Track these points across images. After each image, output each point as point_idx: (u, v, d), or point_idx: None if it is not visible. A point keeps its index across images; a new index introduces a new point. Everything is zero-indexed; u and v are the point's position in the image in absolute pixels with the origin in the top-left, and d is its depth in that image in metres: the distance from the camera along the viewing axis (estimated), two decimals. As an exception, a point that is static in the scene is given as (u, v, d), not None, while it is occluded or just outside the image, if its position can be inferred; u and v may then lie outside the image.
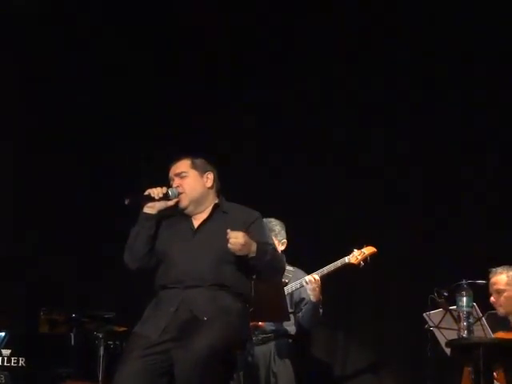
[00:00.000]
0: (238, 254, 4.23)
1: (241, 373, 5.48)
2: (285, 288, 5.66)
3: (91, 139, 7.15)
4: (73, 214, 6.96)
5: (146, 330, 4.23)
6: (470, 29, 6.35)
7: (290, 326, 5.76)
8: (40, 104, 7.15)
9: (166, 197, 4.37)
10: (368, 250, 5.76)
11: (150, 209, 4.39)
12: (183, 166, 4.49)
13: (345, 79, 6.77)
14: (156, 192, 4.36)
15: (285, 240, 5.84)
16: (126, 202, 4.29)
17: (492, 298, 5.54)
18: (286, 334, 5.73)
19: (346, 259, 5.72)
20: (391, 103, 6.63)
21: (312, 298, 5.64)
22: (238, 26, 7.04)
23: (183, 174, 4.46)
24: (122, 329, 5.55)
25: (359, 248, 5.75)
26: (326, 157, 6.81)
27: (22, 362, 5.39)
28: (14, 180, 7.05)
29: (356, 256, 5.72)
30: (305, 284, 5.63)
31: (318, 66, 6.84)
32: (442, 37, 6.49)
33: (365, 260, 5.72)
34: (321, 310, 5.70)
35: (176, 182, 4.45)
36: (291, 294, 5.71)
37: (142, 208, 4.40)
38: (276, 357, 5.66)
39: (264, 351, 5.66)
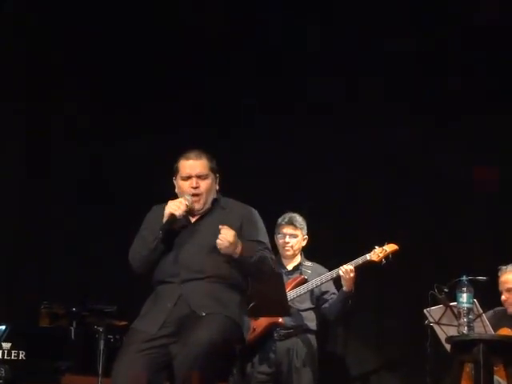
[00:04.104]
0: (223, 251, 4.25)
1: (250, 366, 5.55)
2: (305, 284, 5.70)
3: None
4: (74, 209, 6.98)
5: (145, 325, 4.23)
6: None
7: (312, 322, 5.79)
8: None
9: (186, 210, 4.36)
10: (390, 247, 5.73)
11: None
12: (204, 167, 4.42)
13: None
14: (181, 212, 4.31)
15: (306, 236, 5.88)
16: (160, 235, 4.28)
17: (503, 297, 5.54)
18: (307, 329, 5.76)
19: (368, 256, 5.70)
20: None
21: (344, 288, 5.65)
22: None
23: (203, 177, 4.41)
24: (123, 323, 5.52)
25: (380, 245, 5.73)
26: (344, 156, 6.81)
27: (22, 355, 5.38)
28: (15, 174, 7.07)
29: (377, 253, 5.69)
30: (341, 273, 5.62)
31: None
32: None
33: (386, 257, 5.70)
34: (349, 302, 5.71)
35: (195, 182, 4.40)
36: (311, 290, 5.73)
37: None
38: (298, 352, 5.69)
39: (286, 346, 5.69)
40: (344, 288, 5.66)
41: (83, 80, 7.21)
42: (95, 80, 7.22)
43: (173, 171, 4.50)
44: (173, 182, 4.52)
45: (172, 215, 4.29)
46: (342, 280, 5.65)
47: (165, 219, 4.30)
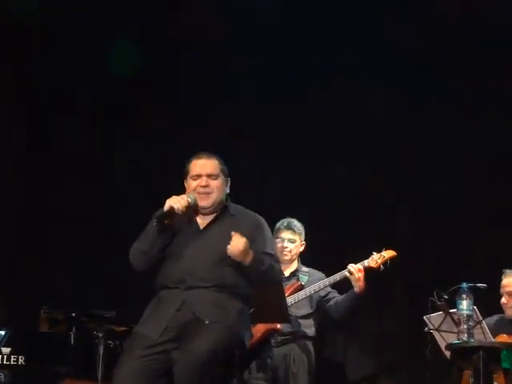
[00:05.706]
0: (234, 258, 4.24)
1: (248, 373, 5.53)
2: (303, 291, 5.66)
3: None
4: (73, 214, 6.97)
5: (147, 329, 4.22)
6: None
7: (309, 328, 5.75)
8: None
9: (187, 207, 4.32)
10: (388, 253, 5.68)
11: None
12: (215, 167, 4.41)
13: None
14: (181, 207, 4.27)
15: (304, 241, 5.88)
16: (155, 224, 4.25)
17: (503, 300, 5.56)
18: (304, 335, 5.72)
19: (366, 263, 5.65)
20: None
21: (356, 290, 5.59)
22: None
23: (214, 177, 4.39)
24: (122, 328, 5.53)
25: (379, 251, 5.68)
26: (341, 159, 6.80)
27: (21, 360, 5.38)
28: (15, 179, 7.07)
29: (376, 260, 5.64)
30: (348, 275, 5.58)
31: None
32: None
33: (385, 264, 5.65)
34: (359, 302, 5.64)
35: (205, 181, 4.37)
36: (310, 296, 5.69)
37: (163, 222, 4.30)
38: (295, 358, 5.65)
39: (283, 353, 5.65)
40: (355, 289, 5.59)
41: (83, 79, 7.20)
42: (95, 79, 7.22)
43: (184, 173, 4.46)
44: (183, 184, 4.47)
45: (171, 208, 4.25)
46: (352, 281, 5.59)
47: (164, 210, 4.27)
